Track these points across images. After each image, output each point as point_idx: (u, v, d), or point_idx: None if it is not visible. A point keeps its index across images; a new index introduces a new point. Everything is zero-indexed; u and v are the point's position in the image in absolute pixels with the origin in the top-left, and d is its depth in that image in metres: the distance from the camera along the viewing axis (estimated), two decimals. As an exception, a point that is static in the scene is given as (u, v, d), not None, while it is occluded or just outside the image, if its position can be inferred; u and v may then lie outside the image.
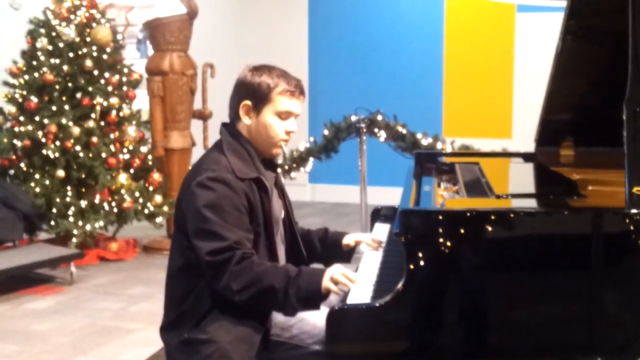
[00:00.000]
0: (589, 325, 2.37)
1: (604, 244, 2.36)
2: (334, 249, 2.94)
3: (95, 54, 6.51)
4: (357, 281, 2.50)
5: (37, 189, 6.22)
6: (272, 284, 2.44)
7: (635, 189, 2.37)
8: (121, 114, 6.62)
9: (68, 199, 6.27)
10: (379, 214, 3.48)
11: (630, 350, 2.38)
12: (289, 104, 2.66)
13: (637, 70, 2.43)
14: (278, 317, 2.65)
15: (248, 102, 2.64)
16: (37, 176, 6.30)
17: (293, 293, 2.42)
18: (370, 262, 2.84)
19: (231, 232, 2.48)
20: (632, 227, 2.36)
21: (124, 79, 6.76)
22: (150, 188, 6.68)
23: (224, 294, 2.49)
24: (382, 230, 3.20)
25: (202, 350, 2.50)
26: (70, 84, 6.45)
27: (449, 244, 2.38)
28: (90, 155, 6.35)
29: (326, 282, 2.46)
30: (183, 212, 2.58)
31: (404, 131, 6.43)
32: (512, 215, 2.42)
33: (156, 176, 6.70)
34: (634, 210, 2.36)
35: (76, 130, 6.27)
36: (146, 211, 6.60)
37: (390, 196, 4.48)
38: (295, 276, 2.45)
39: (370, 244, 2.98)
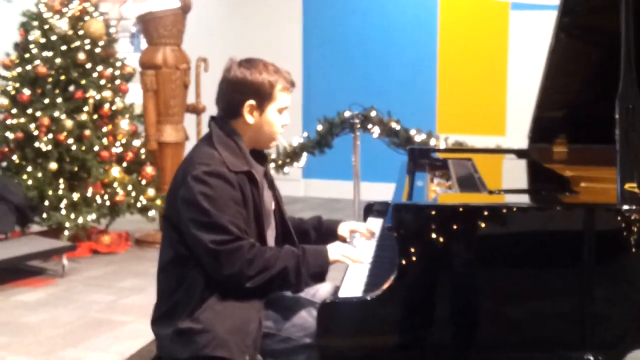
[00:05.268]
0: (580, 320, 2.38)
1: (596, 240, 2.38)
2: (328, 237, 2.97)
3: (88, 47, 6.50)
4: (362, 260, 2.70)
5: (30, 182, 6.21)
6: (285, 266, 2.54)
7: (627, 186, 2.39)
8: (114, 107, 6.61)
9: (60, 192, 6.26)
10: (371, 209, 3.49)
11: (621, 345, 2.40)
12: (287, 99, 2.71)
13: (630, 67, 2.45)
14: (269, 310, 2.66)
15: (252, 102, 2.65)
16: (29, 169, 6.29)
17: (305, 270, 2.55)
18: (364, 249, 2.88)
19: (233, 224, 2.51)
20: (623, 224, 2.38)
21: (117, 72, 6.75)
22: (143, 182, 6.68)
23: (231, 280, 2.52)
24: (375, 225, 3.20)
25: (198, 340, 2.50)
26: (63, 77, 6.43)
27: (441, 238, 2.39)
28: (83, 148, 6.35)
29: (335, 256, 2.64)
30: (175, 205, 2.58)
31: (398, 127, 6.45)
32: (504, 211, 2.43)
33: (149, 170, 6.69)
34: (625, 207, 2.37)
35: (69, 123, 6.26)
36: (139, 204, 6.59)
37: (384, 192, 4.48)
38: (303, 254, 2.58)
39: (364, 234, 3.04)
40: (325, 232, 3.03)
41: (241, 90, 2.65)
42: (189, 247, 2.57)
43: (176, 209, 2.58)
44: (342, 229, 3.05)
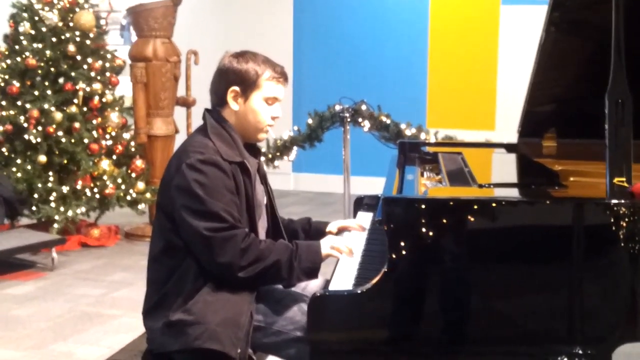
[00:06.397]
0: (569, 314, 2.38)
1: (584, 234, 2.38)
2: (317, 238, 2.96)
3: (78, 39, 6.48)
4: (353, 252, 2.70)
5: (19, 174, 6.19)
6: (278, 259, 2.54)
7: (616, 180, 2.40)
8: (104, 99, 6.61)
9: (50, 185, 6.25)
10: (361, 203, 3.49)
11: (610, 339, 2.40)
12: (275, 89, 2.71)
13: (619, 62, 2.45)
14: (259, 304, 2.66)
15: (236, 88, 2.67)
16: (18, 161, 6.28)
17: (297, 265, 2.55)
18: (355, 242, 2.87)
19: (227, 212, 2.52)
20: (612, 218, 2.38)
21: (107, 64, 6.74)
22: (133, 175, 6.67)
23: (223, 269, 2.51)
24: (365, 219, 3.21)
25: (190, 332, 2.49)
26: (52, 69, 6.43)
27: (431, 232, 2.39)
28: (73, 140, 6.33)
29: (326, 250, 2.64)
30: (169, 194, 2.59)
31: (388, 121, 6.44)
32: (494, 204, 2.43)
33: (139, 163, 6.69)
34: (614, 201, 2.38)
35: (58, 116, 6.25)
36: (128, 198, 6.59)
37: (374, 186, 4.49)
38: (296, 249, 2.58)
39: (356, 229, 3.04)
40: (314, 233, 3.03)
41: (226, 77, 2.69)
42: (182, 236, 2.57)
43: (170, 197, 2.59)
44: (331, 227, 3.06)
